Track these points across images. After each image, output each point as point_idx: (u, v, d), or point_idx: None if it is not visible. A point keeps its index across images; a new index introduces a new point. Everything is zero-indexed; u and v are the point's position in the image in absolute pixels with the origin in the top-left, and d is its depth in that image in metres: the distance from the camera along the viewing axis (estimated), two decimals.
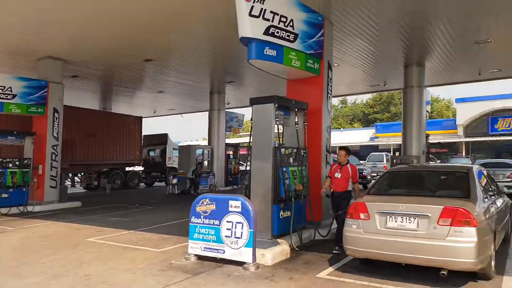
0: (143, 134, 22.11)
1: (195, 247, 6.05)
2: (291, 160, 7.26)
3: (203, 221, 6.00)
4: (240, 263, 5.61)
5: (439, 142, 35.80)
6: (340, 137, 39.10)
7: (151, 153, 24.19)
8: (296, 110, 7.68)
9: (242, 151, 25.21)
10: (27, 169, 12.34)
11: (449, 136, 36.76)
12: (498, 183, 7.70)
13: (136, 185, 21.83)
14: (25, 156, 12.57)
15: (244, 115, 25.70)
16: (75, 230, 8.94)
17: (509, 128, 34.09)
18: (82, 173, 19.63)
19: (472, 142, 36.64)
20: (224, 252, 5.76)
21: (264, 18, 6.93)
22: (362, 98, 66.31)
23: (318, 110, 8.45)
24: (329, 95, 8.80)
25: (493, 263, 5.06)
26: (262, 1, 6.70)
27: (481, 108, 35.00)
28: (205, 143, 23.00)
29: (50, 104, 13.24)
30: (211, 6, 9.27)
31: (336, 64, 13.14)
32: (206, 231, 5.96)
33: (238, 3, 6.50)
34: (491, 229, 5.07)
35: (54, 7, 9.36)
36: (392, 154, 29.38)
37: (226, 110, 22.12)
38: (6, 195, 11.72)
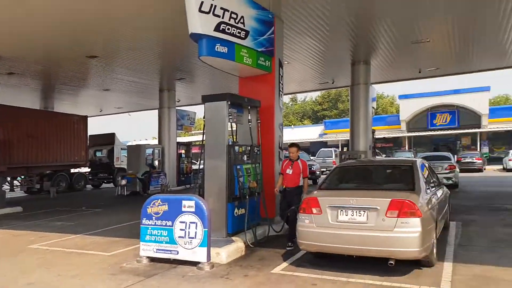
0: (89, 134, 21.19)
1: (147, 249, 5.88)
2: (245, 157, 7.27)
3: (155, 222, 5.85)
4: (195, 263, 5.53)
5: (384, 137, 37.55)
6: (291, 134, 39.77)
7: (98, 154, 23.28)
8: (249, 107, 7.69)
9: (195, 150, 24.93)
10: None
11: (393, 131, 38.67)
12: (438, 175, 8.19)
13: (82, 187, 20.90)
14: None
15: (196, 113, 25.38)
16: (16, 236, 8.38)
17: (446, 123, 36.48)
18: (22, 176, 18.44)
19: (414, 137, 38.80)
20: (177, 253, 5.65)
21: (214, 14, 6.89)
22: (312, 95, 68.01)
23: (270, 108, 8.52)
24: (280, 92, 8.90)
25: (435, 250, 5.37)
26: None
27: (421, 104, 37.14)
28: (156, 142, 22.44)
29: None
30: (159, 1, 9.04)
31: (286, 62, 13.31)
32: (158, 232, 5.81)
33: None
34: (433, 219, 5.37)
35: None
36: (340, 150, 30.33)
37: (177, 108, 21.73)
38: None
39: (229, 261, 5.85)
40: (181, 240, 5.63)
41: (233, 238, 6.56)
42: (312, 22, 10.79)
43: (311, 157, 25.39)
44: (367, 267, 5.22)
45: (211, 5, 6.72)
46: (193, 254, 5.54)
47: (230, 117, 7.04)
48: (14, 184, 18.88)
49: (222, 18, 7.05)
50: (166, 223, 5.77)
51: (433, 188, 6.39)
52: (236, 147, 7.07)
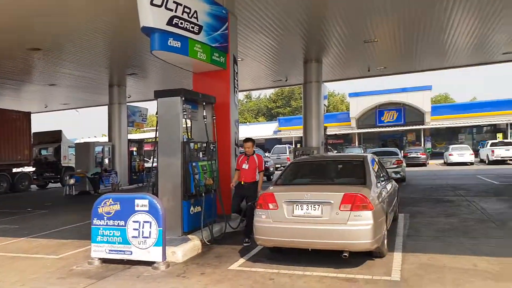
0: (32, 131, 20.04)
1: (99, 250, 5.66)
2: (200, 154, 7.17)
3: (107, 222, 5.63)
4: (150, 263, 5.39)
5: (335, 134, 38.72)
6: (246, 131, 39.88)
7: (43, 152, 22.07)
8: (204, 103, 7.60)
9: (147, 147, 24.32)
10: None
11: (344, 128, 39.94)
12: (387, 169, 8.55)
13: (26, 188, 19.70)
14: None
15: (147, 109, 24.73)
16: None
17: (393, 120, 38.22)
18: None
19: (363, 133, 40.33)
20: (131, 253, 5.48)
21: (166, 8, 6.76)
22: (266, 93, 68.66)
23: (225, 104, 8.49)
24: (236, 89, 8.89)
25: (385, 241, 5.60)
26: None
27: (370, 102, 38.62)
28: (106, 139, 21.65)
29: None
30: None
31: (240, 59, 13.31)
32: (110, 232, 5.60)
33: None
34: (384, 212, 5.59)
35: None
36: (294, 146, 30.88)
37: (128, 104, 21.10)
38: None
39: (185, 260, 5.76)
40: (135, 240, 5.47)
41: (189, 236, 6.46)
42: (265, 19, 10.87)
43: (266, 154, 25.61)
44: (322, 260, 5.35)
45: None
46: (147, 254, 5.40)
47: (185, 113, 6.91)
48: None
49: (175, 12, 6.93)
50: (118, 223, 5.57)
51: (383, 182, 6.66)
52: (191, 144, 6.95)
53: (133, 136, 41.05)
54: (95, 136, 54.03)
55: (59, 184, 21.26)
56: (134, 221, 5.49)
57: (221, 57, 8.45)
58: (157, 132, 6.82)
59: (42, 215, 11.04)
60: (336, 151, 31.44)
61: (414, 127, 37.40)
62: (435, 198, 11.08)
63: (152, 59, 13.31)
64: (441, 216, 8.40)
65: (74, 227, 8.87)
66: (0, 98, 20.88)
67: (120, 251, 5.54)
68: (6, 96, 20.71)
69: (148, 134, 44.08)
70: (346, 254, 5.03)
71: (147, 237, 5.41)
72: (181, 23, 7.10)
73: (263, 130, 44.51)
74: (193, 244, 6.21)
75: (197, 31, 7.54)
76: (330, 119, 36.95)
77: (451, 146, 28.86)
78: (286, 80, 19.72)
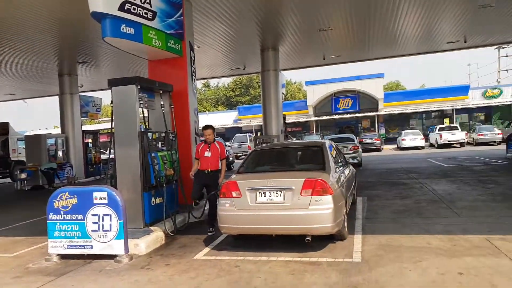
0: None
1: (57, 246, 5.45)
2: (159, 144, 7.04)
3: (64, 217, 5.43)
4: (112, 257, 5.27)
5: (293, 122, 39.24)
6: (206, 120, 39.47)
7: None
8: (161, 92, 7.41)
9: (103, 138, 23.51)
10: None
11: (301, 116, 40.52)
12: (344, 155, 8.81)
13: None
14: None
15: (101, 98, 23.80)
16: None
17: (348, 107, 39.27)
18: None
19: (320, 121, 41.17)
20: (92, 248, 5.33)
21: None
22: (224, 81, 68.19)
23: (183, 92, 8.35)
24: (193, 76, 8.76)
25: (346, 225, 5.79)
26: None
27: (326, 90, 39.39)
28: (58, 131, 20.69)
29: None
30: None
31: (197, 47, 13.10)
32: (68, 227, 5.41)
33: None
34: (343, 195, 5.77)
35: None
36: (254, 135, 31.04)
37: (81, 94, 20.21)
38: None
39: (148, 252, 5.68)
40: (95, 233, 5.32)
41: (152, 228, 6.37)
42: (220, 5, 10.67)
43: (226, 143, 25.54)
44: (286, 245, 5.46)
45: None
46: (109, 248, 5.27)
47: (141, 102, 6.71)
48: None
49: None
50: (76, 217, 5.39)
51: (341, 167, 6.86)
52: (150, 134, 6.80)
53: (87, 127, 39.53)
54: (46, 128, 51.60)
55: (9, 179, 20.15)
56: (93, 215, 5.33)
57: (177, 44, 8.28)
58: (113, 123, 6.61)
59: None
60: (295, 139, 31.93)
61: (368, 113, 38.66)
62: (390, 182, 11.56)
63: (105, 46, 12.77)
64: (396, 198, 8.79)
65: (28, 224, 8.48)
66: None
67: (80, 245, 5.37)
68: None
69: (104, 125, 42.57)
70: (309, 238, 5.15)
71: (107, 230, 5.27)
72: (134, 9, 6.89)
73: (223, 119, 44.28)
74: (156, 235, 6.13)
75: (151, 17, 7.35)
76: (288, 107, 37.35)
77: (403, 132, 30.16)
78: (244, 69, 19.66)
